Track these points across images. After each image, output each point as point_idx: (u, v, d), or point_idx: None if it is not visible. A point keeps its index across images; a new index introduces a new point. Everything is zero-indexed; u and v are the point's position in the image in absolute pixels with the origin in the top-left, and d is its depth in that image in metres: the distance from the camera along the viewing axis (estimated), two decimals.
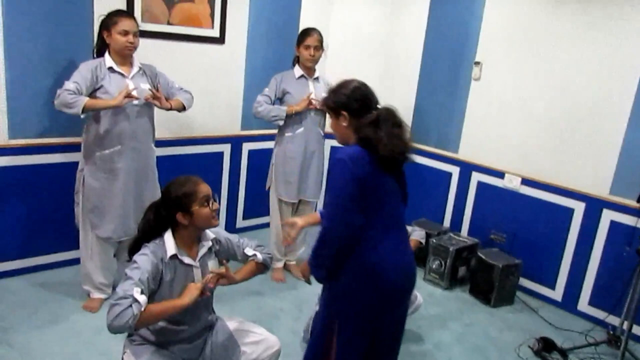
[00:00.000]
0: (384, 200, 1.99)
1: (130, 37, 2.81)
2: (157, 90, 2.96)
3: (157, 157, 3.18)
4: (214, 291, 2.13)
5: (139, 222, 2.10)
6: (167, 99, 3.01)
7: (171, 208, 2.00)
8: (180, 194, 1.99)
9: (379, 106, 2.05)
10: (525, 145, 3.79)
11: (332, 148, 4.66)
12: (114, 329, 1.76)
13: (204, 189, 2.02)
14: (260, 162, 4.09)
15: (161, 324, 2.04)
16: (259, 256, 2.20)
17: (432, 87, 4.31)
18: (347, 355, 2.05)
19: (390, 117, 2.00)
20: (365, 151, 1.93)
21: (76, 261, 3.29)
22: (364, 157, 1.92)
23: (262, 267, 2.23)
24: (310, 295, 3.38)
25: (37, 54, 3.07)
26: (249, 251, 2.20)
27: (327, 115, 3.55)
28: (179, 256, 2.01)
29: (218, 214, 4.08)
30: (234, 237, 2.22)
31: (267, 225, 3.96)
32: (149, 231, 2.03)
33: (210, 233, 2.13)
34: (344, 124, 2.05)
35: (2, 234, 3.19)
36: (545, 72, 3.64)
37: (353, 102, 2.02)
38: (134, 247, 2.03)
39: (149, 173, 3.06)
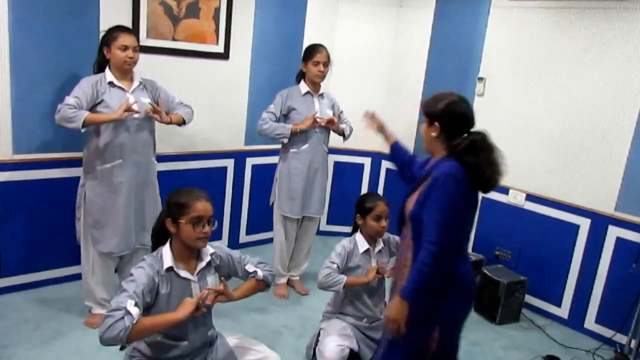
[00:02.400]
0: (472, 217, 2.11)
1: (130, 52, 2.83)
2: (158, 104, 2.97)
3: (161, 172, 3.18)
4: (212, 308, 2.10)
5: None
6: (167, 113, 3.02)
7: (166, 213, 2.00)
8: (175, 202, 1.99)
9: (472, 130, 2.07)
10: (530, 161, 3.77)
11: (336, 163, 4.67)
12: (105, 341, 1.75)
13: (201, 207, 1.98)
14: (264, 177, 4.08)
15: (159, 339, 2.02)
16: (260, 273, 2.17)
17: None
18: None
19: (486, 143, 2.02)
20: (465, 171, 1.97)
21: (78, 277, 3.28)
22: (466, 177, 1.97)
23: (263, 285, 2.19)
24: (313, 312, 3.35)
25: (43, 70, 3.09)
26: (250, 268, 2.17)
27: (329, 134, 3.61)
28: (176, 269, 1.99)
29: (220, 233, 4.15)
30: (235, 253, 2.20)
31: (270, 240, 3.95)
32: (158, 234, 2.06)
33: (210, 248, 2.11)
34: (433, 134, 2.06)
35: (4, 249, 3.19)
36: (550, 89, 3.64)
37: (448, 116, 2.04)
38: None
39: (150, 187, 3.06)
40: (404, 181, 2.49)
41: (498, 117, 3.93)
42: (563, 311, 3.67)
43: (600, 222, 3.45)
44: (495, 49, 3.91)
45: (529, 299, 3.79)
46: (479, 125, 4.19)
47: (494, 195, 3.95)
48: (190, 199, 1.98)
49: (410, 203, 2.08)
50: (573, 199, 3.57)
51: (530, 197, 3.78)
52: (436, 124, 2.05)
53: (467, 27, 4.07)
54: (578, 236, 3.56)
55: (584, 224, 3.53)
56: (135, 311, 1.77)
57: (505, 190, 3.90)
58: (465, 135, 2.04)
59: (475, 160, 1.97)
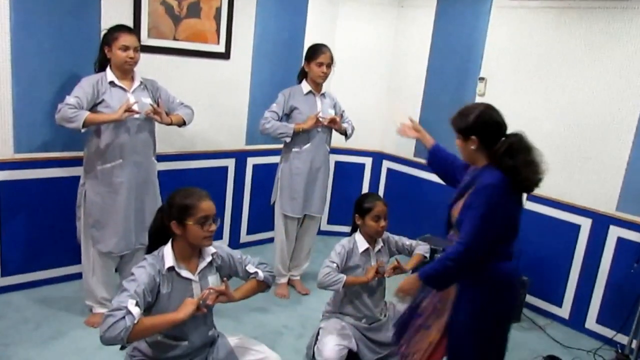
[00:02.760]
0: (517, 221, 2.15)
1: (131, 53, 2.83)
2: (158, 104, 2.97)
3: (162, 171, 3.18)
4: (213, 308, 2.10)
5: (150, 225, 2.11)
6: (167, 113, 3.02)
7: (169, 215, 1.99)
8: (180, 204, 1.98)
9: (508, 132, 2.14)
10: None
11: (337, 163, 4.66)
12: (106, 341, 1.75)
13: (206, 207, 1.99)
14: (265, 177, 4.08)
15: (160, 338, 2.02)
16: (261, 274, 2.17)
17: (437, 103, 4.30)
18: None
19: (523, 144, 2.09)
20: (507, 178, 2.05)
21: (78, 276, 3.29)
22: (507, 184, 2.05)
23: (264, 286, 2.20)
24: (314, 312, 3.35)
25: (44, 70, 3.09)
26: (251, 268, 2.17)
27: (331, 134, 3.61)
28: (177, 269, 1.99)
29: (221, 232, 4.15)
30: (236, 253, 2.20)
31: (271, 240, 3.95)
32: (156, 234, 2.05)
33: (211, 248, 2.11)
34: (472, 147, 2.14)
35: (4, 249, 3.19)
36: (550, 89, 3.63)
37: (482, 127, 2.11)
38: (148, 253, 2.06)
39: (150, 187, 3.06)
40: (447, 184, 2.55)
41: None
42: (564, 311, 3.67)
43: (601, 222, 3.44)
44: (496, 48, 3.91)
45: (530, 298, 3.79)
46: None
47: None
48: (195, 199, 1.99)
49: (456, 211, 2.18)
50: (574, 199, 3.57)
51: (531, 197, 3.76)
52: (473, 137, 2.12)
53: (468, 27, 4.06)
54: (579, 236, 3.55)
55: (585, 224, 3.52)
56: (136, 311, 1.77)
57: None
58: (503, 139, 2.11)
59: (513, 162, 2.04)
